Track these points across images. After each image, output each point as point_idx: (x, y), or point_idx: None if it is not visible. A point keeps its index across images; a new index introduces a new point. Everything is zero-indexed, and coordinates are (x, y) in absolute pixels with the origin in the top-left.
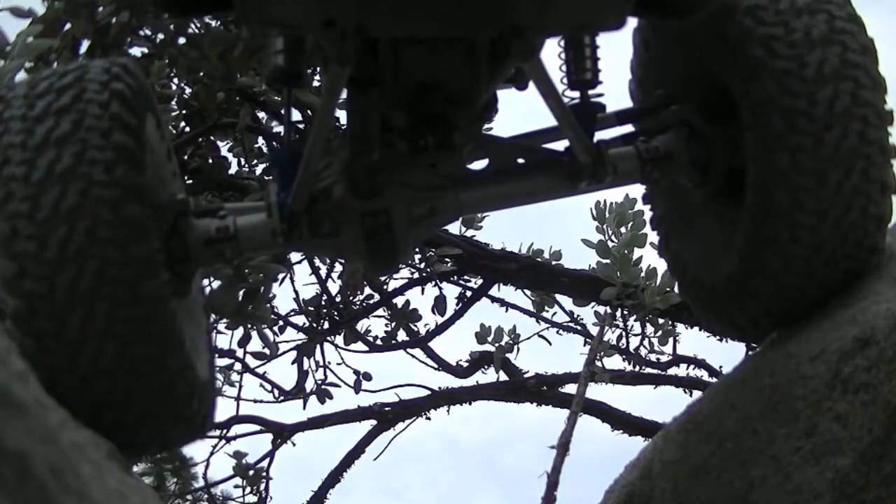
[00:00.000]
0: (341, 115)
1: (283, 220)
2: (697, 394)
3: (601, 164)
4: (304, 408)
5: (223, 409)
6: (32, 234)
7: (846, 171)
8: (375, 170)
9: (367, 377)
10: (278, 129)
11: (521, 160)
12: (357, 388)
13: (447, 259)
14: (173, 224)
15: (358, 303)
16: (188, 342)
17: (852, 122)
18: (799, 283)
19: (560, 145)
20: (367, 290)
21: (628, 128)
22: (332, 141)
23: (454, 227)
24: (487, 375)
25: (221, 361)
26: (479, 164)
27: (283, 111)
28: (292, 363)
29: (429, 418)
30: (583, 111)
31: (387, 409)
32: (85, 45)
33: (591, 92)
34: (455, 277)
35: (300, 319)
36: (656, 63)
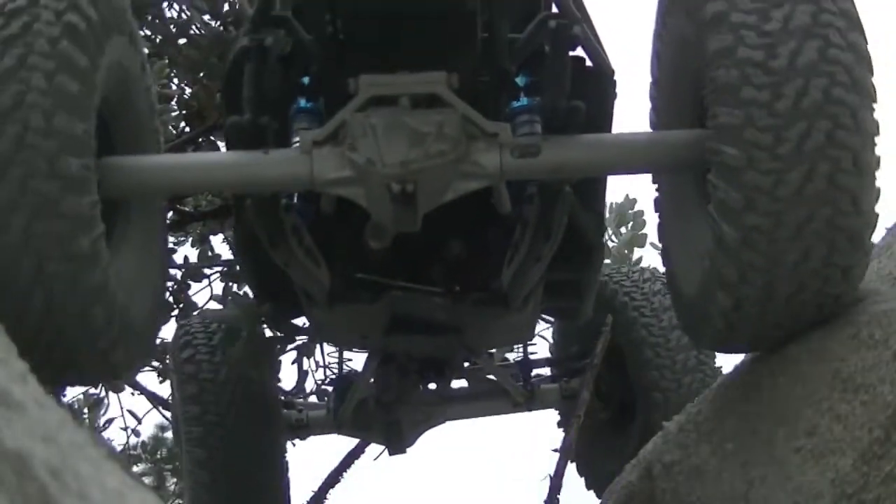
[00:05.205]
0: None
1: (335, 422)
2: None
3: (532, 401)
4: None
5: None
6: None
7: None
8: (393, 403)
9: None
10: None
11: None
12: None
13: None
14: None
15: None
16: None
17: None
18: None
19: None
20: None
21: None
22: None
23: None
24: None
25: None
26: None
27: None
28: (292, 363)
29: None
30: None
31: None
32: None
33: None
34: None
35: (300, 320)
36: (567, 334)
